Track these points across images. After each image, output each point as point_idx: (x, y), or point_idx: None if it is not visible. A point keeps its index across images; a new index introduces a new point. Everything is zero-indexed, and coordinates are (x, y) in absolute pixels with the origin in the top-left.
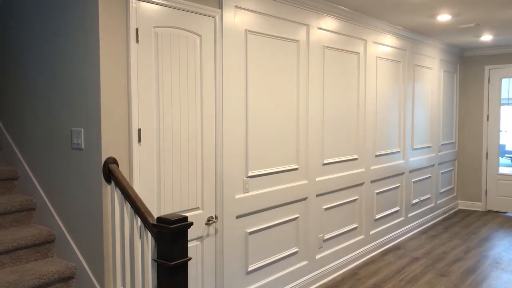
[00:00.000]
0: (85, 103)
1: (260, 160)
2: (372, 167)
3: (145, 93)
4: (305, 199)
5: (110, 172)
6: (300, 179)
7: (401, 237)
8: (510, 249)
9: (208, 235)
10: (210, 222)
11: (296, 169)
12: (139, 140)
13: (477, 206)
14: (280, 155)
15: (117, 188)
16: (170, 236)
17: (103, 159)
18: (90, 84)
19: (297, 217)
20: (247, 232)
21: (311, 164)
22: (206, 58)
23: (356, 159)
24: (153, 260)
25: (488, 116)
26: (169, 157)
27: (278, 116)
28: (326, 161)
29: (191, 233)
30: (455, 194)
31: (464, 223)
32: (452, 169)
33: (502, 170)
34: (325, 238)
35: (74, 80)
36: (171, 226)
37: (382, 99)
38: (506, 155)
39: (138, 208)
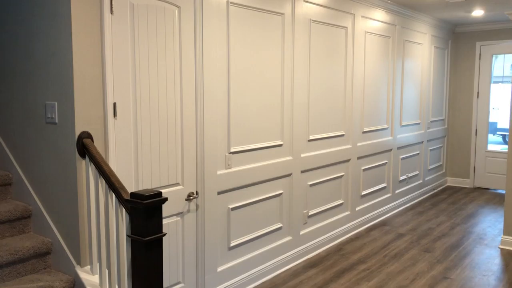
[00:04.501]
0: (58, 76)
1: (243, 136)
2: (359, 144)
3: (120, 66)
4: (289, 175)
5: (84, 147)
6: (285, 155)
7: (387, 213)
8: (495, 225)
9: (188, 210)
10: (191, 198)
11: (281, 145)
12: (115, 115)
13: (465, 183)
14: (264, 131)
15: (92, 163)
16: (144, 211)
17: (77, 133)
18: (62, 56)
19: (281, 193)
20: (229, 208)
21: (296, 140)
22: (185, 31)
23: (342, 135)
24: (127, 235)
25: (478, 93)
26: (147, 132)
27: (262, 91)
28: (312, 137)
29: (171, 208)
30: (443, 171)
31: (451, 200)
32: (441, 146)
33: (491, 147)
34: (310, 214)
35: (47, 52)
36: (145, 202)
37: (370, 75)
38: (498, 132)
39: (112, 183)
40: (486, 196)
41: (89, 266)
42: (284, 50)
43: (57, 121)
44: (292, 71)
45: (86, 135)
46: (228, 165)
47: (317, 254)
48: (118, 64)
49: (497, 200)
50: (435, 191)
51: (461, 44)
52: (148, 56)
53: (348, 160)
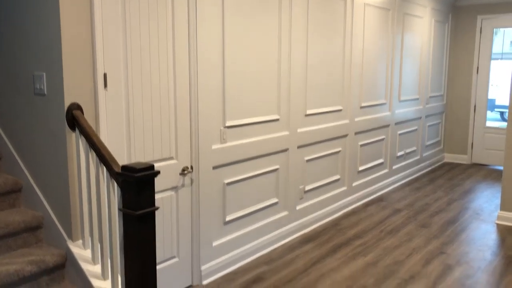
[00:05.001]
0: (46, 45)
1: (238, 110)
2: (356, 119)
3: (111, 35)
4: (286, 150)
5: (74, 119)
6: (281, 130)
7: (384, 189)
8: (492, 200)
9: (183, 185)
10: (185, 172)
11: (277, 119)
12: (105, 86)
13: (463, 159)
14: (260, 105)
15: (82, 136)
16: (136, 185)
17: (66, 105)
18: (50, 24)
19: (277, 168)
20: (224, 182)
21: (292, 115)
22: None
23: (340, 110)
24: (119, 209)
25: (478, 68)
26: (139, 104)
27: (258, 64)
28: (309, 112)
29: (165, 183)
30: (441, 147)
31: (448, 176)
32: (439, 122)
33: (490, 124)
34: (306, 189)
35: (34, 20)
36: (136, 175)
37: (369, 49)
38: (496, 109)
39: (103, 156)
40: (483, 172)
41: (81, 241)
42: (281, 21)
43: (46, 92)
44: (289, 43)
45: (75, 107)
46: (223, 139)
47: (313, 229)
48: (109, 33)
49: (494, 176)
50: (432, 167)
51: (461, 17)
52: (140, 24)
53: (345, 136)
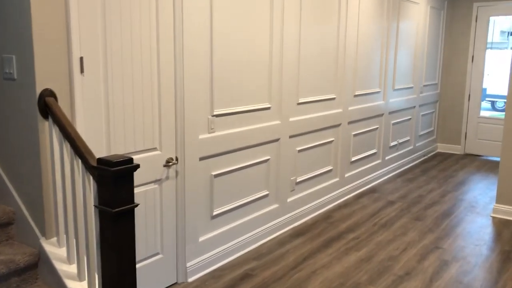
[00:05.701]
0: (15, 24)
1: (227, 97)
2: (350, 108)
3: (87, 14)
4: (277, 140)
5: (46, 107)
6: (273, 119)
7: (377, 180)
8: (486, 192)
9: (167, 177)
10: (170, 164)
11: (268, 108)
12: (82, 71)
13: (456, 149)
14: (251, 92)
15: (55, 125)
16: (112, 179)
17: (38, 91)
18: (19, 1)
19: (268, 159)
20: (212, 174)
21: (284, 103)
22: None
23: (333, 98)
24: (95, 206)
25: (473, 57)
26: (119, 90)
27: (249, 49)
28: (301, 100)
29: (148, 175)
30: (434, 137)
31: (441, 167)
32: (433, 112)
33: (483, 113)
34: (298, 180)
35: None
36: (113, 169)
37: (364, 35)
38: (487, 99)
39: (77, 148)
40: (476, 163)
41: (55, 238)
42: (273, 6)
43: (15, 77)
44: (281, 29)
45: (48, 93)
46: (211, 129)
47: (304, 222)
48: (85, 12)
49: (488, 167)
50: (425, 157)
51: (457, 4)
52: (120, 3)
53: (338, 125)
